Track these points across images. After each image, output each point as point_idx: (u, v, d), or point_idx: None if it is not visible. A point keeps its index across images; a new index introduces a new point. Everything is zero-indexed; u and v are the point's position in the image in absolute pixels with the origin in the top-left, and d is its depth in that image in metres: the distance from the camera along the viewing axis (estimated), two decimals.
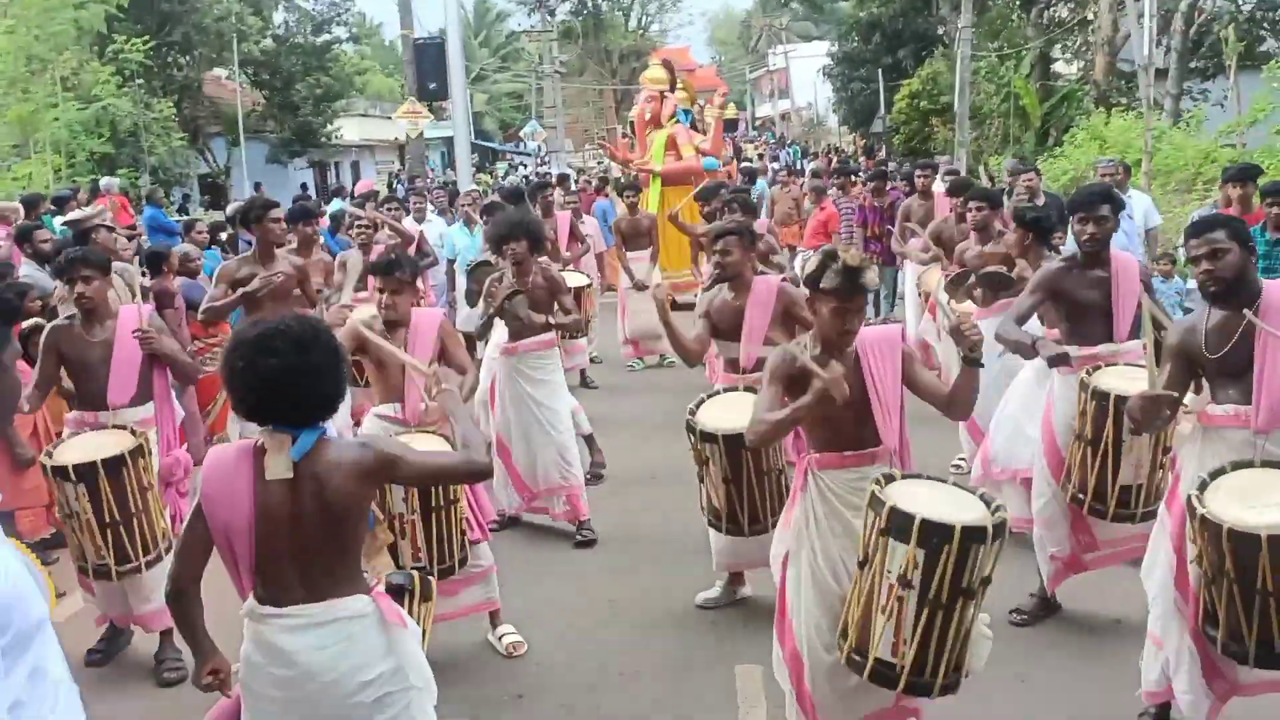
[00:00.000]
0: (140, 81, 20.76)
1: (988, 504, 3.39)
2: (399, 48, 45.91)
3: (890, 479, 3.47)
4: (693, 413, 4.98)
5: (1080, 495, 4.62)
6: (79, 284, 4.91)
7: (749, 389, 4.95)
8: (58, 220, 10.30)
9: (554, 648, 4.86)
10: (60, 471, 4.49)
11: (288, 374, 2.71)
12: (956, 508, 3.33)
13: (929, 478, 3.54)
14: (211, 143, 26.93)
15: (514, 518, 6.44)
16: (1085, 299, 4.78)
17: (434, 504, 4.51)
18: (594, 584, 5.59)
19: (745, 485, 4.82)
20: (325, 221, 11.68)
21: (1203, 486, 3.57)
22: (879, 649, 3.32)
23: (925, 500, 3.34)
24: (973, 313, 7.03)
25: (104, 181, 14.11)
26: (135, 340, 4.89)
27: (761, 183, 17.78)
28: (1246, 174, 7.41)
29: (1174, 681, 3.84)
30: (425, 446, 4.19)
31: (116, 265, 7.04)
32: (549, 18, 47.45)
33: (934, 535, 3.19)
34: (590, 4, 51.11)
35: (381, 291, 4.96)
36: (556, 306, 6.26)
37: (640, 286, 10.53)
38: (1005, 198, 9.12)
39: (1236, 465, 3.62)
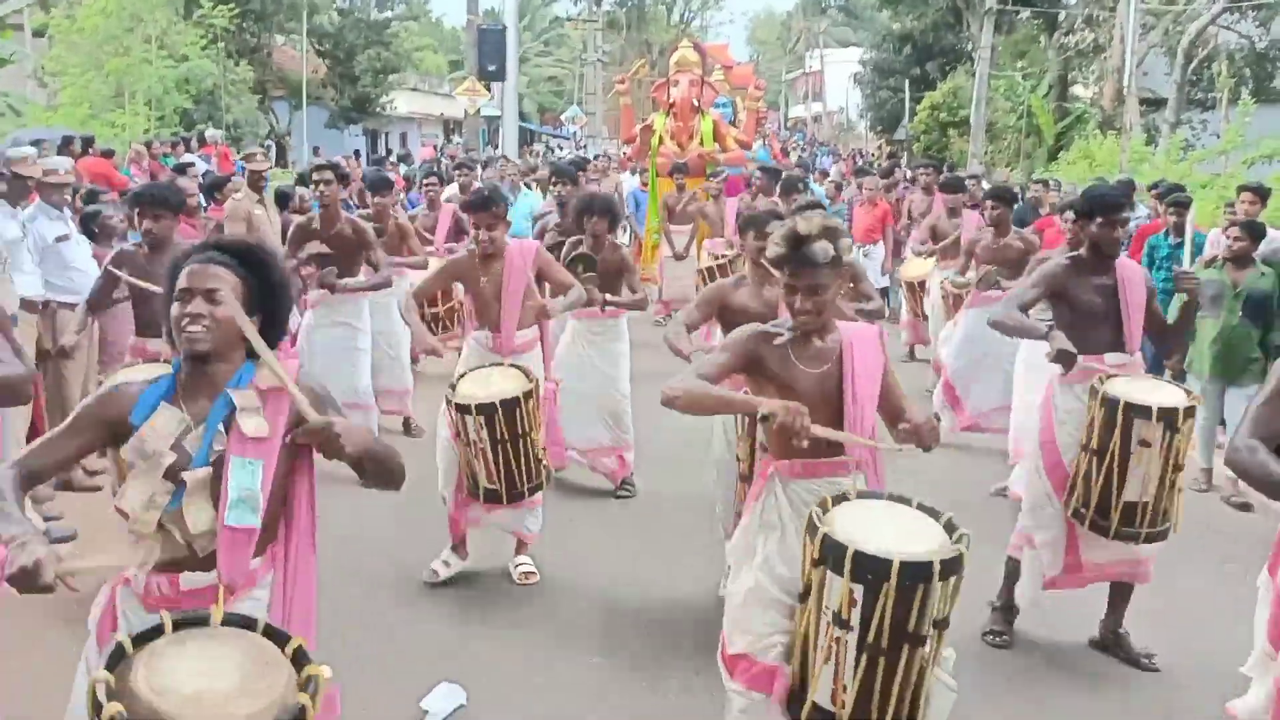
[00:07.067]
0: (222, 45, 22.41)
1: (951, 531, 2.85)
2: (444, 27, 47.39)
3: (842, 499, 2.99)
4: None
5: (1082, 510, 4.38)
6: (148, 220, 5.08)
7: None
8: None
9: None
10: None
11: None
12: (907, 536, 2.81)
13: (892, 497, 3.04)
14: (275, 105, 28.62)
15: None
16: (1090, 303, 4.58)
17: (500, 436, 4.70)
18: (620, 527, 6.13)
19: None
20: (401, 182, 13.24)
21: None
22: (817, 693, 2.86)
23: (872, 526, 2.84)
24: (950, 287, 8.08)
25: (209, 133, 15.77)
26: None
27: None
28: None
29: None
30: (502, 380, 4.81)
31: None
32: (595, 7, 48.84)
33: (870, 570, 2.69)
34: None
35: (477, 227, 5.20)
36: (624, 286, 6.42)
37: (679, 256, 11.70)
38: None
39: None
